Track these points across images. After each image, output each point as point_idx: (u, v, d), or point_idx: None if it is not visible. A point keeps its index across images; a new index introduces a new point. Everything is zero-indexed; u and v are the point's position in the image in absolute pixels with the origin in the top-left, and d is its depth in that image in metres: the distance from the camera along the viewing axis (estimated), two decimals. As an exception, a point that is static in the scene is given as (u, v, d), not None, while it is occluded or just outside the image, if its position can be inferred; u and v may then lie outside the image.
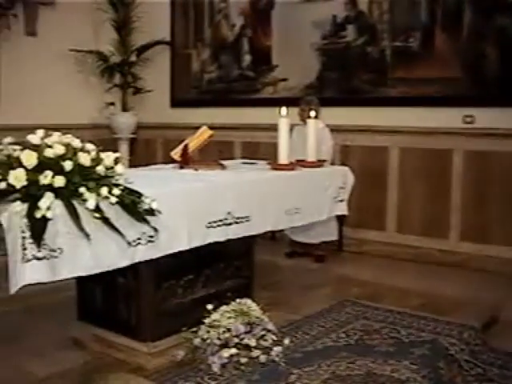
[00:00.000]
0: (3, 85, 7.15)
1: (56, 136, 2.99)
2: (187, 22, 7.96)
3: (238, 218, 3.83)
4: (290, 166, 4.49)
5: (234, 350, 3.37)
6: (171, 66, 8.17)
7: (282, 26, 7.06)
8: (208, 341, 3.40)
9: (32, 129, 3.23)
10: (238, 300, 3.63)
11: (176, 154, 4.48)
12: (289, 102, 5.37)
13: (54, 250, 2.85)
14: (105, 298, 3.78)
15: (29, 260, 2.78)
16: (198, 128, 4.72)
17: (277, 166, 4.46)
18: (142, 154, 8.16)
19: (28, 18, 7.59)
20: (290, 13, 6.94)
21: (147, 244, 3.23)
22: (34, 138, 2.96)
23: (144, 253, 3.24)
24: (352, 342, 3.80)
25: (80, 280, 3.79)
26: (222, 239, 3.74)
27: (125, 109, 8.25)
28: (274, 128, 4.63)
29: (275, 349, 3.47)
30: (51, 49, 7.65)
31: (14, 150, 2.94)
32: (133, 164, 3.91)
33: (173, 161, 4.53)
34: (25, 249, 2.77)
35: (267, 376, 3.29)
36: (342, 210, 4.87)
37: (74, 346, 3.78)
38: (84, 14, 7.99)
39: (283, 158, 4.45)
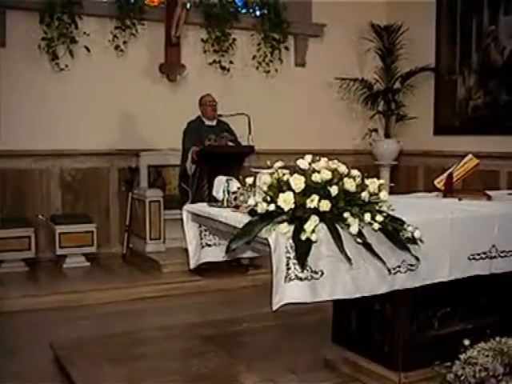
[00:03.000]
0: (274, 113, 7.66)
1: (323, 161, 3.09)
2: (453, 48, 7.72)
3: (502, 251, 3.59)
4: None
5: (489, 392, 3.16)
6: (435, 92, 7.98)
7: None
8: (462, 378, 3.22)
9: (299, 153, 3.40)
10: (497, 338, 3.39)
11: (439, 182, 4.36)
12: None
13: (315, 272, 2.94)
14: (359, 323, 3.79)
15: (291, 279, 2.90)
16: (461, 156, 4.54)
17: (550, 199, 4.11)
18: (403, 181, 8.10)
19: (298, 50, 8.08)
20: None
21: (407, 272, 3.18)
22: (303, 163, 3.10)
23: (403, 281, 3.19)
24: None
25: (337, 303, 3.86)
26: (484, 273, 3.53)
27: (387, 135, 8.27)
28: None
29: (537, 397, 3.16)
30: (318, 78, 8.03)
31: (284, 174, 3.11)
32: (394, 191, 3.89)
33: (435, 189, 4.41)
34: (289, 268, 2.89)
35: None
36: None
37: (325, 368, 3.82)
38: (349, 43, 8.24)
39: (559, 190, 4.07)
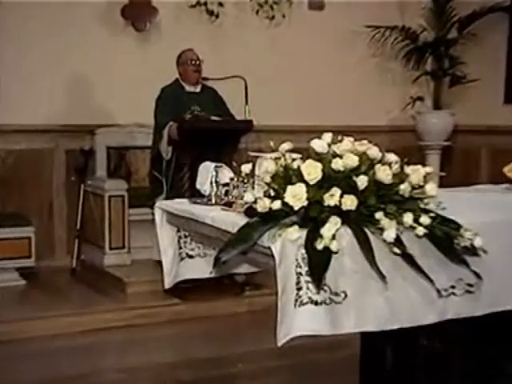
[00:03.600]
0: (279, 75, 7.66)
1: (347, 142, 3.09)
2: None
3: None
4: None
5: None
6: (509, 43, 7.94)
7: None
8: None
9: (314, 132, 3.40)
10: None
11: (510, 170, 4.37)
12: None
13: (336, 294, 2.94)
14: (397, 363, 3.80)
15: (304, 303, 2.89)
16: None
17: None
18: (460, 168, 8.11)
19: (314, -12, 8.09)
20: None
21: (464, 295, 3.18)
22: (319, 145, 3.09)
23: (459, 307, 3.18)
24: None
25: (366, 336, 3.87)
26: None
27: (437, 106, 8.28)
28: None
29: None
30: (341, 26, 8.02)
31: (293, 160, 3.11)
32: (446, 182, 3.88)
33: (505, 180, 4.43)
34: (299, 288, 2.89)
35: None
36: None
37: (348, 422, 3.89)
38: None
39: None
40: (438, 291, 3.11)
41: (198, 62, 6.30)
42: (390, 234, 2.91)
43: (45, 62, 6.86)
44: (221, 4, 7.47)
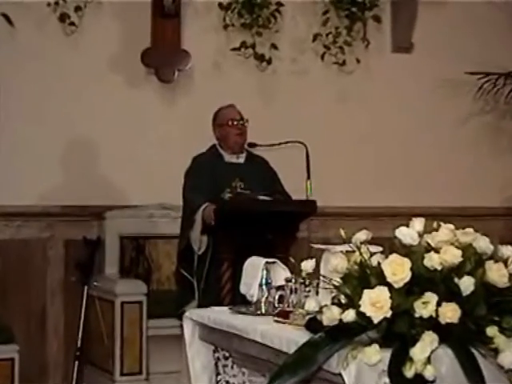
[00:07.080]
0: (351, 140, 7.70)
1: (446, 230, 3.09)
2: None
3: None
4: None
5: None
6: None
7: None
8: None
9: (400, 216, 3.41)
10: None
11: None
12: None
13: None
14: None
15: None
16: None
17: None
18: None
19: (399, 23, 8.15)
20: None
21: None
22: (407, 234, 3.10)
23: None
24: None
25: None
26: None
27: None
28: None
29: None
30: (435, 73, 8.08)
31: (372, 254, 3.11)
32: None
33: None
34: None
35: None
36: None
37: None
38: (491, 9, 8.28)
39: None
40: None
41: (241, 123, 6.26)
42: (507, 357, 2.89)
43: (39, 123, 6.94)
44: (274, 46, 7.49)
